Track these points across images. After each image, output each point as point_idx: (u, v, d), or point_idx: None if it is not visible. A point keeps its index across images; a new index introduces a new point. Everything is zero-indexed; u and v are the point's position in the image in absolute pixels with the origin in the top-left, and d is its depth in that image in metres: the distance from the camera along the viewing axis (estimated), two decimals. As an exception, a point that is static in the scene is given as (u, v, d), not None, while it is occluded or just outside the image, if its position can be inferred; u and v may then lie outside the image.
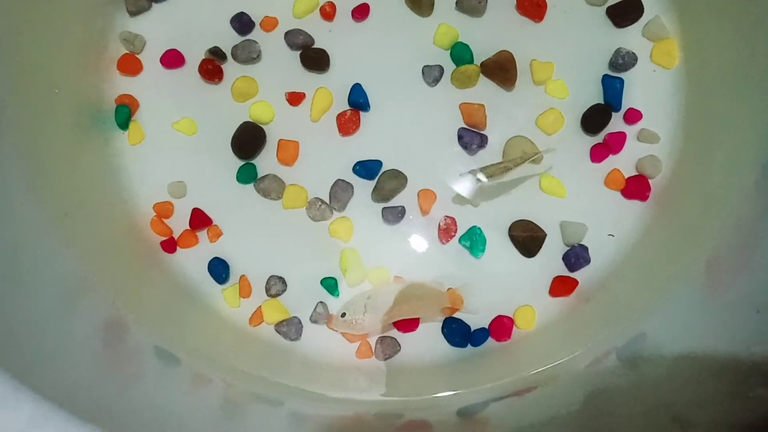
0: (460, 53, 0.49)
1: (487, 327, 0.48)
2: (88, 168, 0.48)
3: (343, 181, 0.49)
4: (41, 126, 0.45)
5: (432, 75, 0.49)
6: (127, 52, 0.50)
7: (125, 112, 0.49)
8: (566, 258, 0.49)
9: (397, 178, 0.49)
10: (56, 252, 0.42)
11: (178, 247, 0.49)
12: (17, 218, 0.41)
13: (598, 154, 0.49)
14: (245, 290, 0.49)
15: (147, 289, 0.48)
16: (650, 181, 0.49)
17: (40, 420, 0.30)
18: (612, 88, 0.49)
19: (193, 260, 0.49)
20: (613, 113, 0.49)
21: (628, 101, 0.49)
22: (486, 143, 0.49)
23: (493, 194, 0.49)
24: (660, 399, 0.39)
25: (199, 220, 0.49)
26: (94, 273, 0.45)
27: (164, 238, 0.49)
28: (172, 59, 0.50)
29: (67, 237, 0.44)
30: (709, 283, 0.43)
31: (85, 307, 0.44)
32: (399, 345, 0.48)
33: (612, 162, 0.49)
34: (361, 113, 0.50)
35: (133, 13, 0.50)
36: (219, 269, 0.49)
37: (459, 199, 0.49)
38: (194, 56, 0.50)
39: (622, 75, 0.49)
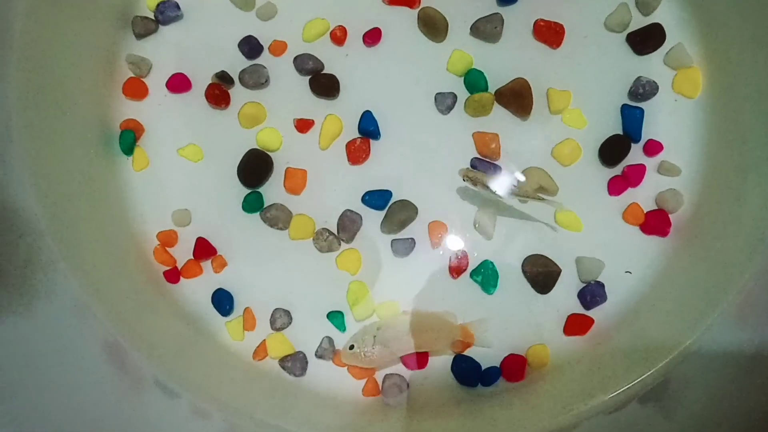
0: (475, 80, 0.48)
1: (498, 366, 0.46)
2: (91, 193, 0.47)
3: (352, 211, 0.48)
4: (47, 149, 0.45)
5: (445, 103, 0.48)
6: (133, 75, 0.49)
7: (130, 137, 0.48)
8: (582, 295, 0.47)
9: (408, 209, 0.48)
10: (59, 279, 0.41)
11: (181, 277, 0.48)
12: (15, 237, 0.40)
13: (616, 186, 0.47)
14: (249, 323, 0.47)
15: (149, 320, 0.47)
16: (671, 216, 0.47)
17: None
18: (631, 118, 0.47)
19: (196, 291, 0.48)
20: (632, 144, 0.47)
21: (648, 132, 0.47)
22: (499, 174, 0.48)
23: (508, 227, 0.47)
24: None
25: (204, 249, 0.48)
26: (96, 302, 0.44)
27: (168, 268, 0.48)
28: (179, 83, 0.49)
29: (70, 264, 0.43)
30: (740, 328, 0.41)
31: (85, 335, 0.43)
32: (407, 383, 0.47)
33: (631, 195, 0.47)
34: (372, 141, 0.48)
35: (140, 36, 0.49)
36: (223, 301, 0.47)
37: (472, 230, 0.47)
38: (201, 80, 0.49)
39: (642, 104, 0.48)
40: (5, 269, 0.40)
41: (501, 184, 0.45)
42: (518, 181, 0.47)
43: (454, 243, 0.47)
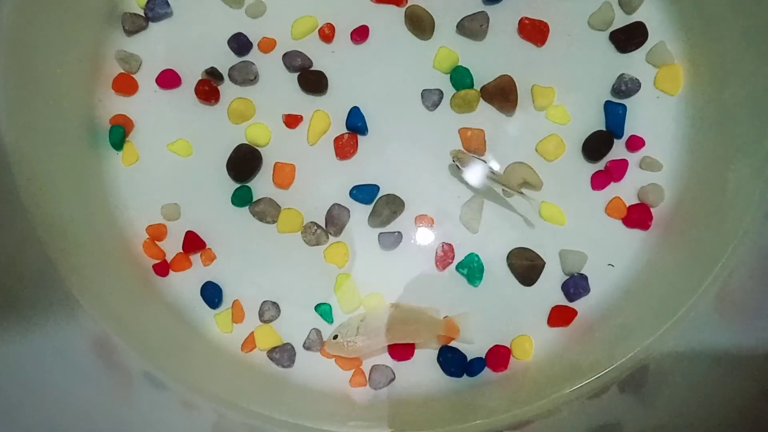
0: (461, 77, 0.49)
1: (483, 357, 0.47)
2: (80, 187, 0.48)
3: (340, 205, 0.48)
4: (35, 142, 0.45)
5: (431, 99, 0.49)
6: (123, 71, 0.49)
7: (119, 133, 0.49)
8: (565, 287, 0.48)
9: (395, 203, 0.48)
10: (46, 274, 0.42)
11: (170, 271, 0.48)
12: (4, 233, 0.41)
13: (599, 181, 0.48)
14: (238, 315, 0.48)
15: (138, 313, 0.47)
16: (652, 209, 0.48)
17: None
18: (614, 114, 0.48)
19: (185, 284, 0.48)
20: (615, 140, 0.48)
21: (631, 128, 0.48)
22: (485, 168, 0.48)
23: (493, 221, 0.48)
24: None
25: (193, 243, 0.48)
26: (85, 296, 0.44)
27: (157, 261, 0.48)
28: (168, 79, 0.49)
29: (59, 258, 0.44)
30: (717, 318, 0.42)
31: (74, 329, 0.43)
32: (393, 374, 0.47)
33: (613, 190, 0.48)
34: (359, 137, 0.49)
35: (130, 33, 0.50)
36: (212, 293, 0.48)
37: (458, 224, 0.48)
38: (191, 77, 0.49)
39: (624, 101, 0.48)
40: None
41: (484, 175, 0.46)
42: (499, 173, 0.48)
43: (440, 236, 0.48)
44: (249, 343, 0.48)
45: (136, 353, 0.45)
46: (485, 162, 0.47)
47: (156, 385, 0.45)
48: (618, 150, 0.48)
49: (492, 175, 0.46)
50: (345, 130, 0.49)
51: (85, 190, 0.48)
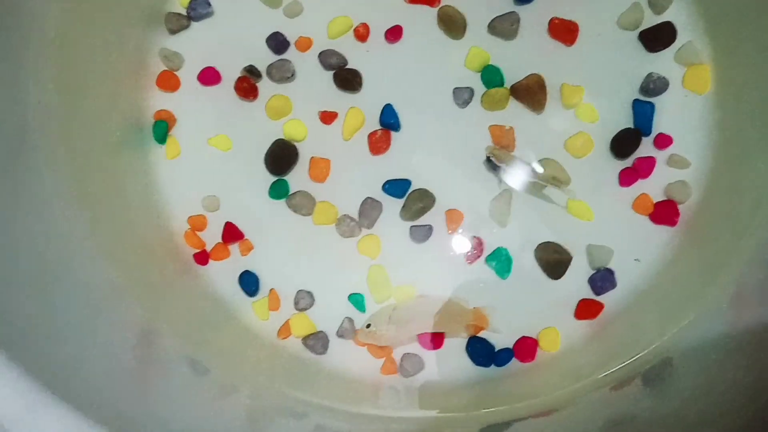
0: (491, 76, 0.50)
1: (511, 347, 0.49)
2: (125, 179, 0.50)
3: (373, 199, 0.50)
4: (83, 136, 0.47)
5: (462, 97, 0.50)
6: (166, 68, 0.52)
7: (163, 127, 0.51)
8: (592, 281, 0.49)
9: (426, 198, 0.50)
10: (91, 260, 0.44)
11: (210, 260, 0.50)
12: (55, 225, 0.43)
13: (626, 178, 0.49)
14: (274, 303, 0.50)
15: (179, 299, 0.49)
16: (679, 206, 0.49)
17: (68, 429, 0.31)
18: (642, 112, 0.49)
19: (224, 273, 0.50)
20: (642, 138, 0.49)
21: (659, 126, 0.49)
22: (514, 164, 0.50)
23: (522, 216, 0.49)
24: (683, 425, 0.39)
25: (232, 233, 0.50)
26: (130, 283, 0.46)
27: (197, 251, 0.50)
28: (209, 77, 0.51)
29: (103, 245, 0.46)
30: (734, 313, 0.43)
31: (118, 314, 0.45)
32: (423, 362, 0.49)
33: (640, 186, 0.49)
34: (392, 133, 0.50)
35: (173, 32, 0.52)
36: (249, 282, 0.50)
37: (487, 218, 0.49)
38: (230, 74, 0.51)
39: (653, 100, 0.49)
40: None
41: (519, 172, 0.47)
42: (535, 171, 0.49)
43: (469, 230, 0.50)
44: (285, 330, 0.50)
45: (175, 337, 0.46)
46: (518, 158, 0.48)
47: (194, 369, 0.47)
48: (646, 147, 0.49)
49: (525, 169, 0.47)
50: (378, 127, 0.51)
51: (131, 181, 0.50)
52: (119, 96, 0.50)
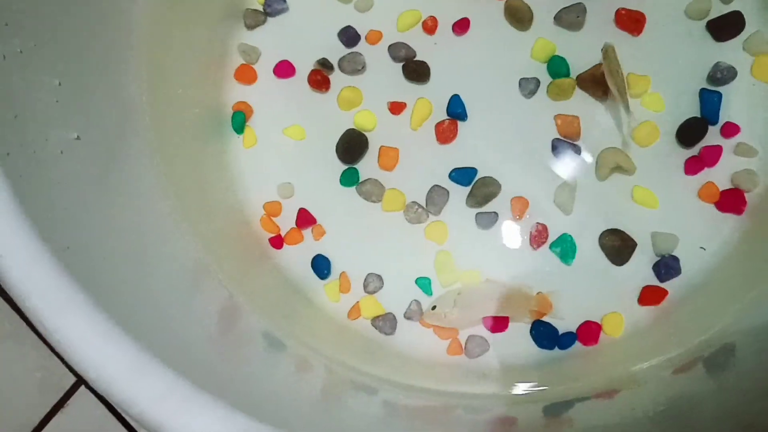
0: (557, 66, 0.51)
1: (574, 331, 0.50)
2: (208, 167, 0.53)
3: (440, 186, 0.52)
4: (170, 129, 0.50)
5: (528, 87, 0.51)
6: (244, 62, 0.54)
7: (241, 118, 0.54)
8: (656, 268, 0.49)
9: (492, 185, 0.51)
10: (183, 241, 0.47)
11: (284, 244, 0.53)
12: (151, 210, 0.46)
13: (692, 166, 0.50)
14: (345, 286, 0.52)
15: (257, 280, 0.52)
16: (746, 195, 0.49)
17: (170, 391, 0.34)
18: (709, 101, 0.50)
19: (298, 256, 0.53)
20: (709, 127, 0.50)
21: (726, 115, 0.50)
22: (579, 153, 0.51)
23: (586, 203, 0.50)
24: (745, 410, 0.40)
25: (305, 219, 0.53)
26: (213, 262, 0.49)
27: (272, 235, 0.53)
28: (284, 69, 0.54)
29: (191, 228, 0.49)
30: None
31: (206, 290, 0.49)
32: (488, 344, 0.50)
33: (706, 175, 0.50)
34: (459, 123, 0.52)
35: (250, 27, 0.55)
36: (321, 265, 0.52)
37: (551, 205, 0.51)
38: (304, 67, 0.54)
39: (720, 89, 0.50)
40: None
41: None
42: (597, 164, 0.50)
43: (534, 217, 0.51)
44: (354, 311, 0.52)
45: (256, 315, 0.49)
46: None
47: (272, 344, 0.50)
48: (712, 136, 0.50)
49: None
50: (446, 117, 0.52)
51: (212, 169, 0.53)
52: (202, 89, 0.53)
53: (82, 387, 0.65)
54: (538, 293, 0.50)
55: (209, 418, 0.30)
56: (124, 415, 0.64)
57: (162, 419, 0.30)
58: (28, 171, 0.34)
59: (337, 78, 0.54)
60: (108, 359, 0.31)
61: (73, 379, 0.65)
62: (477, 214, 0.51)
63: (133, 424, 0.64)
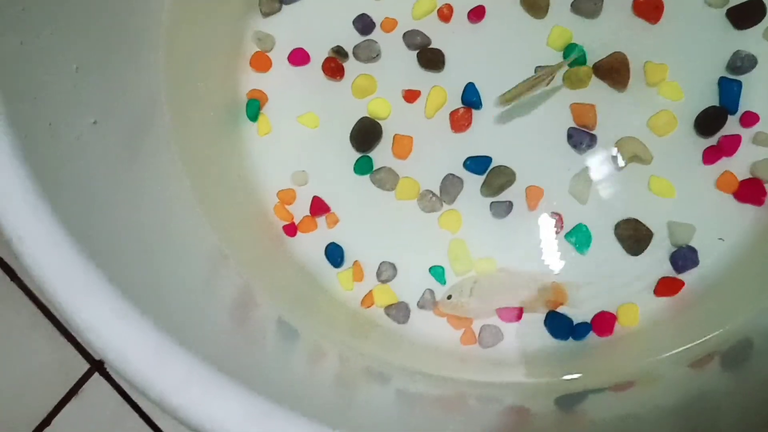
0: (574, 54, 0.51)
1: (589, 322, 0.49)
2: (223, 155, 0.53)
3: (454, 175, 0.52)
4: (186, 116, 0.50)
5: (544, 75, 0.51)
6: (259, 50, 0.54)
7: (255, 106, 0.54)
8: (673, 259, 0.49)
9: (506, 174, 0.51)
10: (201, 228, 0.47)
11: (298, 232, 0.53)
12: (168, 196, 0.46)
13: (710, 156, 0.49)
14: (358, 274, 0.52)
15: (271, 268, 0.52)
16: (766, 185, 0.48)
17: (190, 375, 0.34)
18: (729, 90, 0.49)
19: (311, 244, 0.53)
20: (728, 116, 0.49)
21: (746, 104, 0.49)
22: (595, 143, 0.50)
23: (601, 193, 0.50)
24: (761, 406, 0.39)
25: (319, 207, 0.53)
26: (228, 249, 0.49)
27: (286, 223, 0.53)
28: (299, 57, 0.54)
29: (207, 215, 0.49)
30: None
31: (222, 277, 0.49)
32: (502, 334, 0.50)
33: (725, 164, 0.49)
34: (474, 111, 0.52)
35: (266, 14, 0.54)
36: (335, 254, 0.52)
37: (567, 195, 0.50)
38: (319, 55, 0.54)
39: (740, 77, 0.49)
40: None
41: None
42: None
43: (549, 206, 0.51)
44: (368, 299, 0.52)
45: (270, 302, 0.49)
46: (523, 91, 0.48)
47: (287, 331, 0.50)
48: (731, 125, 0.49)
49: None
50: (460, 105, 0.52)
51: (227, 157, 0.53)
52: (218, 77, 0.53)
53: (96, 374, 0.65)
54: (552, 283, 0.49)
55: (230, 401, 0.30)
56: (137, 402, 0.64)
57: (182, 403, 0.30)
58: (46, 154, 0.34)
59: (351, 66, 0.53)
60: (129, 343, 0.31)
61: (86, 366, 0.65)
62: (491, 203, 0.51)
63: (147, 411, 0.64)
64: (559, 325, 0.50)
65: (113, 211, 0.38)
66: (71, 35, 0.39)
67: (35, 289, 0.64)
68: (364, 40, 0.53)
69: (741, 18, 0.49)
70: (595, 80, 0.51)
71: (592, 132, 0.50)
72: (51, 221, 0.31)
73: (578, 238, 0.50)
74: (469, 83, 0.52)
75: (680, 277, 0.49)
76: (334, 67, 0.53)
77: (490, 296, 0.49)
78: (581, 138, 0.50)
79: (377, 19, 0.53)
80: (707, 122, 0.49)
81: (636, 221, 0.49)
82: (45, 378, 0.66)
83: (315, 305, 0.52)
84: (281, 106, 0.54)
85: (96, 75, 0.40)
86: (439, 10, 0.52)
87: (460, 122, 0.52)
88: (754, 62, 0.49)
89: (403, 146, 0.52)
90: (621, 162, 0.49)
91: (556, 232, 0.50)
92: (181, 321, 0.38)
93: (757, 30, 0.49)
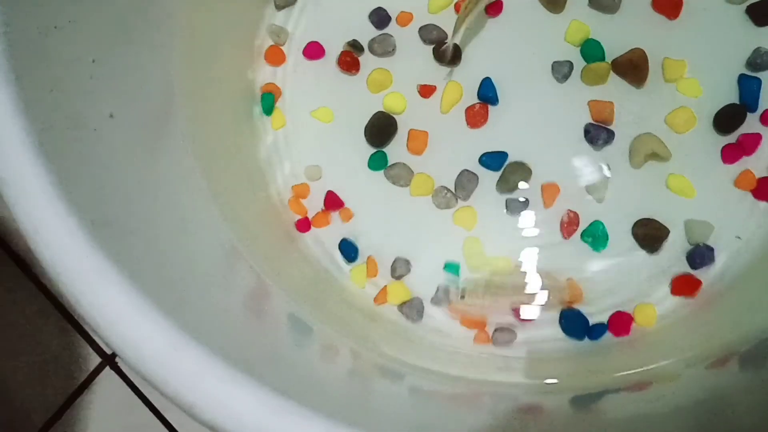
0: (591, 50, 0.50)
1: (605, 322, 0.49)
2: (237, 149, 0.53)
3: (469, 171, 0.51)
4: (202, 110, 0.50)
5: (561, 71, 0.50)
6: (273, 43, 0.54)
7: (270, 100, 0.53)
8: (690, 257, 0.48)
9: (522, 171, 0.51)
10: (214, 222, 0.47)
11: (312, 227, 0.53)
12: (183, 189, 0.46)
13: (730, 154, 0.49)
14: (372, 270, 0.52)
15: (285, 262, 0.52)
16: (785, 183, 0.48)
17: (204, 369, 0.33)
18: (749, 87, 0.48)
19: (325, 239, 0.53)
20: (748, 114, 0.48)
21: (766, 102, 0.48)
22: (612, 139, 0.50)
23: (619, 191, 0.49)
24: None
25: (333, 202, 0.52)
26: (242, 243, 0.49)
27: (300, 217, 0.53)
28: (314, 51, 0.53)
29: (222, 210, 0.49)
30: None
31: (236, 271, 0.48)
32: (516, 334, 0.50)
33: (744, 163, 0.49)
34: (490, 107, 0.51)
35: (280, 7, 0.54)
36: (348, 249, 0.52)
37: (583, 192, 0.50)
38: (334, 48, 0.53)
39: (760, 74, 0.48)
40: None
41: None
42: (631, 151, 0.49)
43: (565, 204, 0.50)
44: (381, 296, 0.51)
45: (284, 297, 0.49)
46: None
47: (299, 327, 0.49)
48: (751, 123, 0.48)
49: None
50: (476, 100, 0.52)
51: (240, 150, 0.53)
52: (233, 70, 0.53)
53: (107, 368, 0.65)
54: (568, 281, 0.49)
55: (244, 397, 0.29)
56: (148, 396, 0.64)
57: (196, 397, 0.30)
58: (63, 147, 0.34)
59: (366, 60, 0.53)
60: (143, 337, 0.31)
61: (98, 360, 0.65)
62: (507, 199, 0.51)
63: (157, 405, 0.64)
64: (574, 324, 0.49)
65: (129, 205, 0.38)
66: (89, 26, 0.39)
67: (47, 282, 0.65)
68: (380, 34, 0.53)
69: (761, 15, 0.48)
70: (613, 76, 0.50)
71: (610, 128, 0.50)
72: (68, 213, 0.31)
73: (594, 236, 0.49)
74: (486, 78, 0.51)
75: (697, 276, 0.48)
76: (349, 61, 0.53)
77: (505, 294, 0.49)
78: (598, 134, 0.50)
79: (393, 12, 0.53)
80: (726, 120, 0.48)
81: (653, 220, 0.49)
82: (56, 372, 0.66)
83: (328, 301, 0.52)
84: (296, 100, 0.54)
85: (113, 67, 0.40)
86: (455, 4, 0.52)
87: (476, 118, 0.51)
88: (774, 59, 0.48)
89: (418, 142, 0.52)
90: (639, 159, 0.49)
91: (572, 230, 0.50)
92: (195, 315, 0.38)
93: (779, 27, 0.48)
